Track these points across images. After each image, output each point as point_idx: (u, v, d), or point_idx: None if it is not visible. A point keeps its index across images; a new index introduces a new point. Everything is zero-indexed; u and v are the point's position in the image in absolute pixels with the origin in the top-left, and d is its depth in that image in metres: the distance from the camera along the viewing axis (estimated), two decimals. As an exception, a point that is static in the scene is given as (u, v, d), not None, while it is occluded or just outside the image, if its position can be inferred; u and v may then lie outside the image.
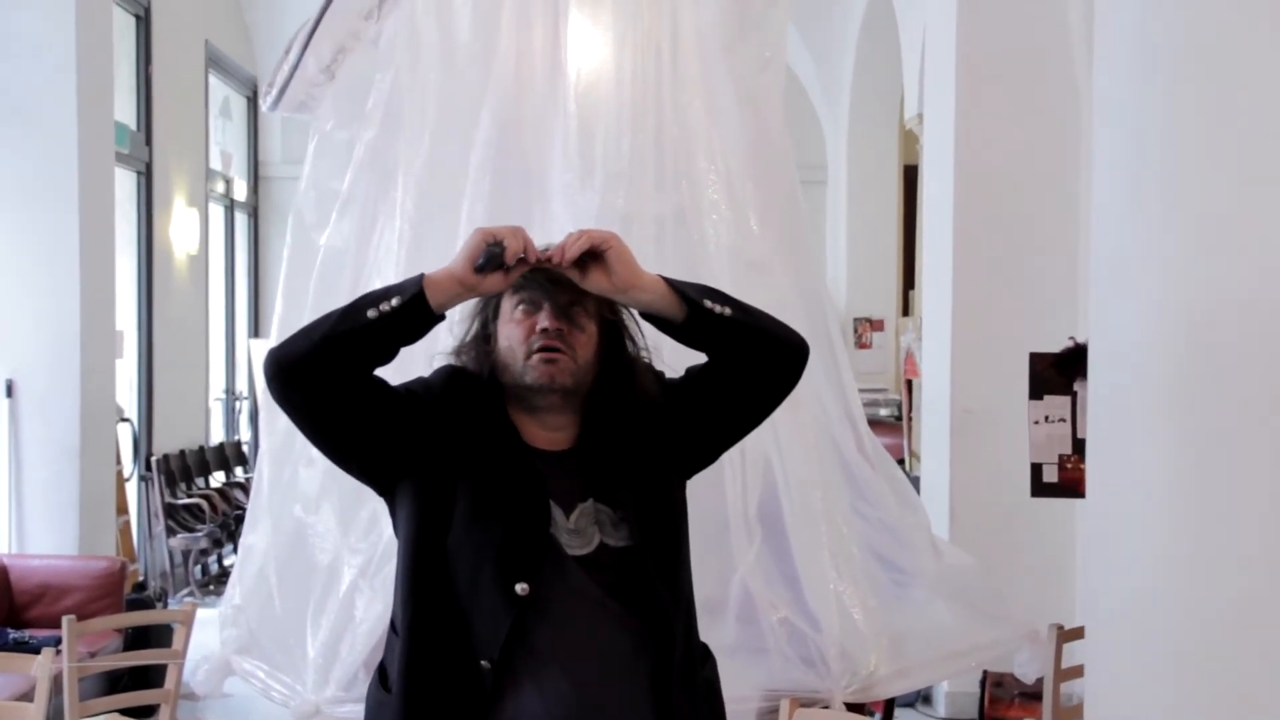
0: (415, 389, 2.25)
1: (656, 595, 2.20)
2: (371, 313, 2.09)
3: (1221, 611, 1.76)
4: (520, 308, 2.22)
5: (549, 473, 2.22)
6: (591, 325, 2.24)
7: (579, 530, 2.21)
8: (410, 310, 2.10)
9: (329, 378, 2.11)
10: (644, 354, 2.32)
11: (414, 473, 2.21)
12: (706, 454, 2.39)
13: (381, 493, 2.30)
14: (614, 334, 2.28)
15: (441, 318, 2.17)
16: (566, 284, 2.19)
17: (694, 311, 2.15)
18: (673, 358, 2.37)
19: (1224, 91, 1.80)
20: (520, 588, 2.13)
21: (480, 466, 2.20)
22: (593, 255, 2.14)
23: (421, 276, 2.13)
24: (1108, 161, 2.27)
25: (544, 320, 2.19)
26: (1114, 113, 2.23)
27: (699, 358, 2.30)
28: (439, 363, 2.33)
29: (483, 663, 2.13)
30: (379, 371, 2.21)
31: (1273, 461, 1.60)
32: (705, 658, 2.38)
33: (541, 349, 2.19)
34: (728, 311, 2.18)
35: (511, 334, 2.22)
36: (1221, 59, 1.82)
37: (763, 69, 4.05)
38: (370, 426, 2.17)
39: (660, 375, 2.35)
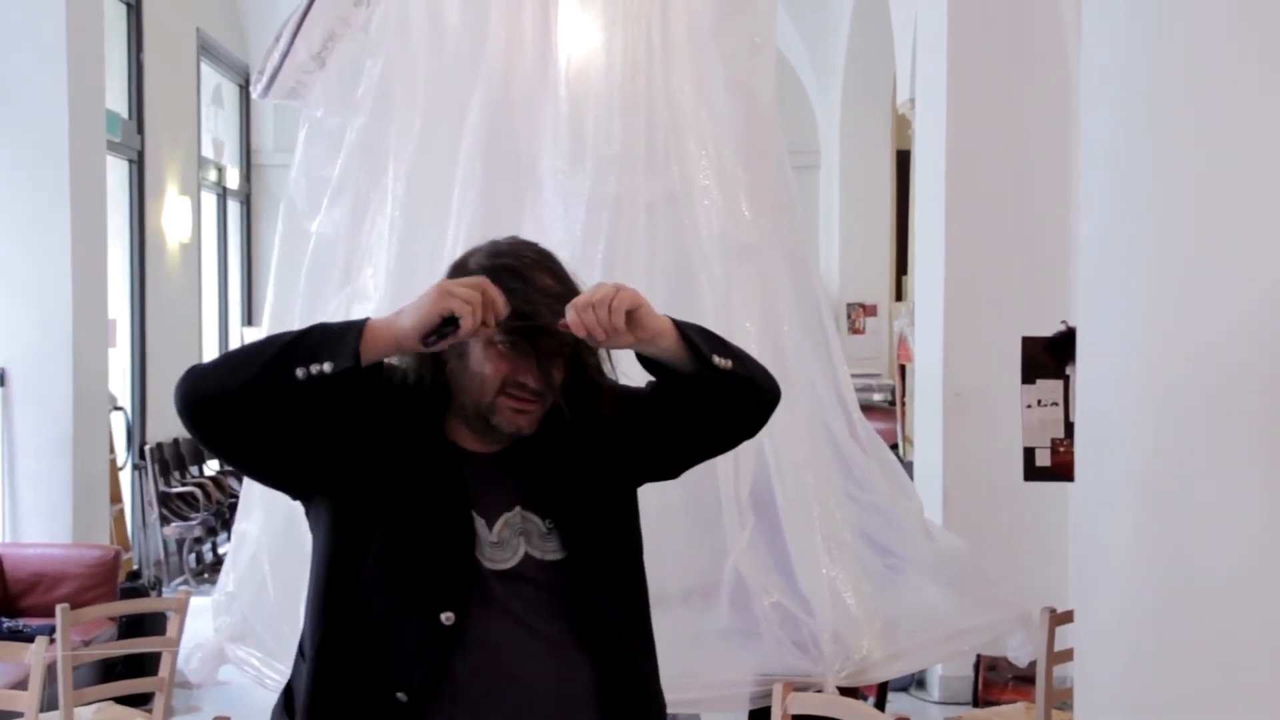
0: None
1: (598, 612, 2.02)
2: (300, 372, 1.88)
3: (1205, 595, 1.76)
4: (502, 347, 2.00)
5: (474, 479, 2.04)
6: (564, 366, 2.06)
7: (501, 542, 2.02)
8: (344, 376, 1.89)
9: (246, 422, 1.92)
10: (605, 366, 2.13)
11: (329, 489, 2.03)
12: (663, 471, 2.21)
13: (295, 499, 2.13)
14: (577, 353, 2.08)
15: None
16: (551, 333, 1.99)
17: (701, 367, 1.99)
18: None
19: (1209, 81, 1.80)
20: (445, 617, 1.95)
21: (400, 476, 2.01)
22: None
23: (359, 334, 1.90)
24: (1094, 150, 2.27)
25: (529, 379, 2.00)
26: (1100, 101, 2.23)
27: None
28: None
29: (399, 695, 1.96)
30: None
31: (1254, 448, 1.60)
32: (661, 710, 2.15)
33: (517, 399, 2.01)
34: (728, 364, 2.01)
35: (485, 367, 2.01)
36: (1204, 48, 1.82)
37: (753, 53, 4.05)
38: (283, 448, 1.99)
39: (619, 390, 2.16)
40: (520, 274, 2.02)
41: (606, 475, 2.10)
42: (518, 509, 2.05)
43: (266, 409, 1.91)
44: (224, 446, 2.01)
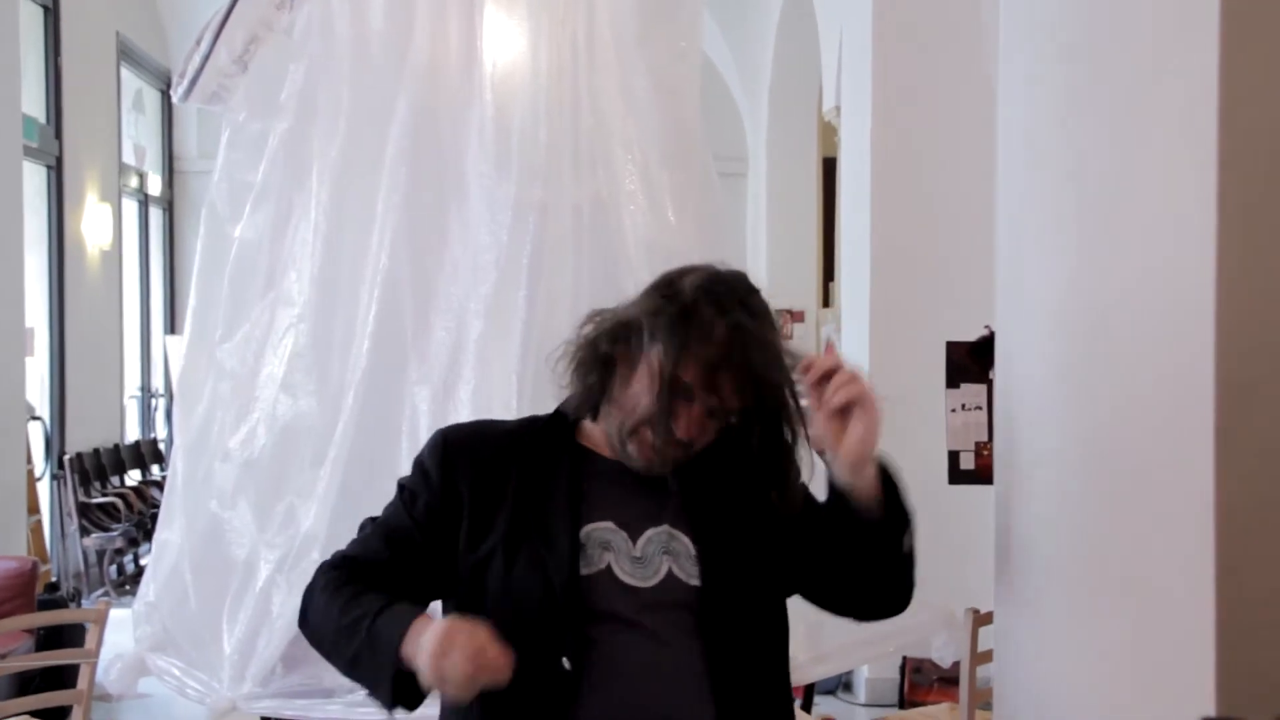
0: (430, 503, 1.95)
1: (729, 647, 1.89)
2: (368, 691, 1.85)
3: (1120, 597, 1.79)
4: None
5: (619, 491, 1.93)
6: (716, 431, 1.93)
7: (644, 559, 1.90)
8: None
9: None
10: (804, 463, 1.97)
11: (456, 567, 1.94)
12: (796, 589, 2.06)
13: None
14: (772, 417, 1.92)
15: None
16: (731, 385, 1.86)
17: (886, 534, 1.89)
18: None
19: (1115, 88, 1.83)
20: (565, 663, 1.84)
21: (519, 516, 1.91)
22: (844, 410, 1.83)
23: (390, 681, 1.77)
24: (1010, 153, 2.30)
25: (680, 427, 1.88)
26: (1015, 109, 2.26)
27: None
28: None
29: (564, 661, 1.84)
30: None
31: (1169, 446, 1.63)
32: None
33: (658, 438, 1.88)
34: (910, 547, 1.93)
35: (641, 398, 1.88)
36: (1115, 58, 1.85)
37: (678, 59, 4.06)
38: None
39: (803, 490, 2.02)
40: (761, 339, 1.88)
41: (771, 526, 1.96)
42: (665, 526, 1.93)
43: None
44: None
